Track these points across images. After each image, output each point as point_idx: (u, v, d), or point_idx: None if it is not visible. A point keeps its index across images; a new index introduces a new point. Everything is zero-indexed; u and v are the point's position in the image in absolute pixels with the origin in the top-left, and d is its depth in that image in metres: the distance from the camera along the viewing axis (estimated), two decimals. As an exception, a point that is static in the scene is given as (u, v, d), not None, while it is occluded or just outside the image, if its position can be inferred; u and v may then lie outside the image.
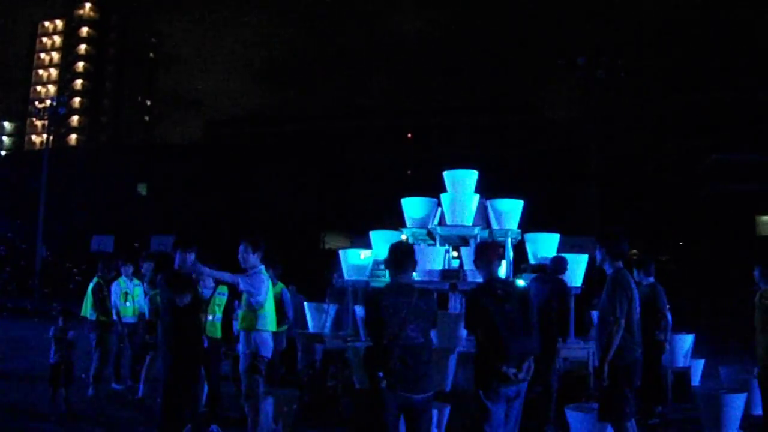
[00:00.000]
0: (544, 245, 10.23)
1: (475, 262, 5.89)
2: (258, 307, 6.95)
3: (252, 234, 7.44)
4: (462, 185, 10.52)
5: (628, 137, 45.59)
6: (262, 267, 7.12)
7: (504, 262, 6.75)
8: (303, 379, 9.80)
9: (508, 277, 10.17)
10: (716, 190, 40.92)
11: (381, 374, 5.20)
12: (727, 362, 11.58)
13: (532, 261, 10.26)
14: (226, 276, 6.95)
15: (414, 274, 9.60)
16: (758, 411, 9.28)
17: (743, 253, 37.26)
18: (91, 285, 10.54)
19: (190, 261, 7.36)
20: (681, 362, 11.16)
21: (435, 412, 6.89)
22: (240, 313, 7.13)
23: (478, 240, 10.07)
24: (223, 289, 8.22)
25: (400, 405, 5.25)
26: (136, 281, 10.69)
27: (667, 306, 8.99)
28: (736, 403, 8.38)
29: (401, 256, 5.57)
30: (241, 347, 7.03)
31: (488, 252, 5.80)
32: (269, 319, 7.09)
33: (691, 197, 41.75)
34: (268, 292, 7.05)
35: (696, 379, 11.15)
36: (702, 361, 11.51)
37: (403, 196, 10.84)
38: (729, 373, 10.34)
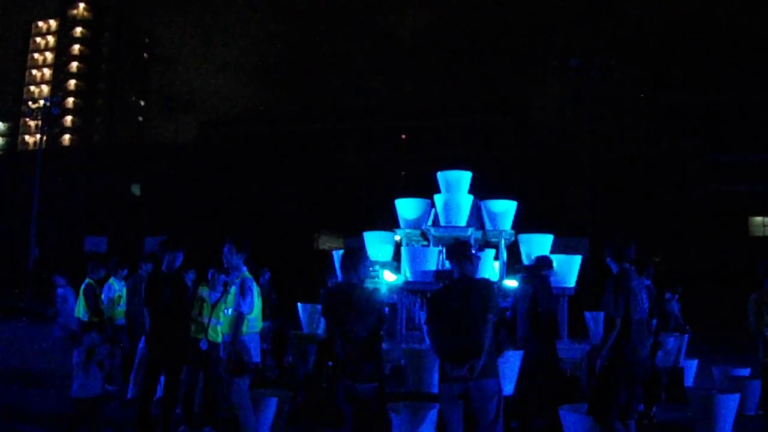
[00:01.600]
0: (538, 246, 10.24)
1: (447, 260, 6.14)
2: (249, 313, 6.99)
3: (239, 234, 7.47)
4: (456, 186, 10.53)
5: (621, 138, 45.68)
6: (245, 269, 7.10)
7: (478, 262, 6.84)
8: (296, 379, 9.78)
9: (500, 277, 10.16)
10: (709, 190, 41.06)
11: (330, 363, 5.94)
12: (721, 363, 11.61)
13: (525, 262, 10.26)
14: (239, 324, 6.95)
15: (408, 274, 9.68)
16: (751, 412, 9.32)
17: (736, 254, 37.44)
18: (82, 286, 10.48)
19: (178, 262, 7.56)
20: (674, 362, 11.21)
21: (434, 412, 6.91)
22: (227, 319, 7.09)
23: (472, 241, 10.09)
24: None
25: (347, 393, 5.78)
26: (122, 283, 10.63)
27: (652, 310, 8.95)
28: (730, 404, 8.41)
29: (348, 259, 6.14)
30: (225, 352, 7.00)
31: (456, 252, 6.00)
32: (257, 321, 7.14)
33: (684, 198, 41.87)
34: (255, 296, 7.06)
35: (690, 380, 11.18)
36: (695, 362, 11.54)
37: (397, 197, 10.84)
38: (722, 373, 10.36)
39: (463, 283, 5.85)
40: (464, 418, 5.67)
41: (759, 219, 42.66)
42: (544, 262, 8.75)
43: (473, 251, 6.13)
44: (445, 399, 5.72)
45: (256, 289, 7.10)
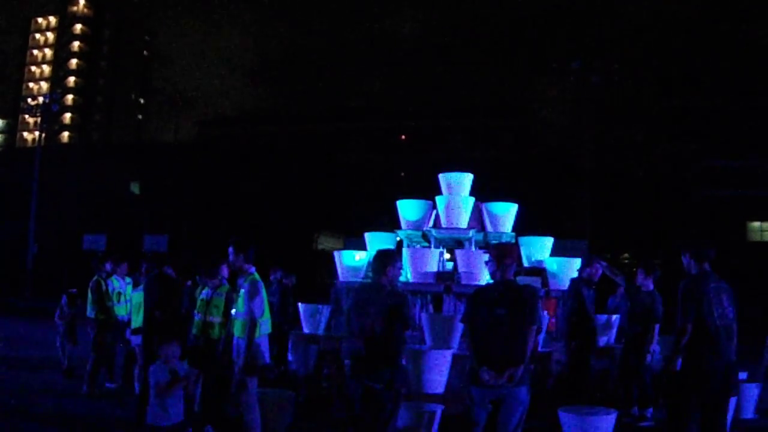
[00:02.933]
0: (538, 248, 10.30)
1: (488, 263, 6.00)
2: (260, 317, 7.01)
3: (236, 234, 7.55)
4: (457, 188, 10.57)
5: (620, 142, 45.76)
6: (253, 270, 7.12)
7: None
8: (298, 379, 9.83)
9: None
10: (707, 195, 41.16)
11: (348, 362, 6.01)
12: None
13: (525, 264, 10.32)
14: (252, 328, 6.98)
15: (408, 276, 9.74)
16: (748, 415, 9.39)
17: (734, 259, 37.54)
18: (90, 283, 10.54)
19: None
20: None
21: (428, 413, 6.97)
22: (238, 321, 7.10)
23: (473, 242, 10.14)
24: (223, 289, 8.25)
25: (365, 392, 5.85)
26: (127, 279, 10.68)
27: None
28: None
29: (378, 260, 6.20)
30: (236, 354, 7.02)
31: (500, 253, 5.82)
32: (268, 324, 7.15)
33: (683, 202, 41.97)
34: (264, 299, 7.08)
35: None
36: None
37: (397, 198, 10.89)
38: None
39: (509, 288, 5.64)
40: (488, 421, 5.56)
41: (756, 224, 42.79)
42: (582, 264, 8.80)
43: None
44: (476, 403, 5.55)
45: (265, 291, 7.12)
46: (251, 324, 6.82)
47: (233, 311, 7.22)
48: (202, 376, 8.33)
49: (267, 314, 7.14)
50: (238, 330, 7.01)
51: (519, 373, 5.38)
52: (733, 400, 8.55)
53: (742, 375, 10.49)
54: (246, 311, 6.86)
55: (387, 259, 6.20)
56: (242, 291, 6.99)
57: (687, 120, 45.44)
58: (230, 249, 7.15)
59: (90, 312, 10.29)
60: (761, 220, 42.56)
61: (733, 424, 8.57)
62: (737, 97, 45.99)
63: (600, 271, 8.83)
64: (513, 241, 10.41)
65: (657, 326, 8.99)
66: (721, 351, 5.74)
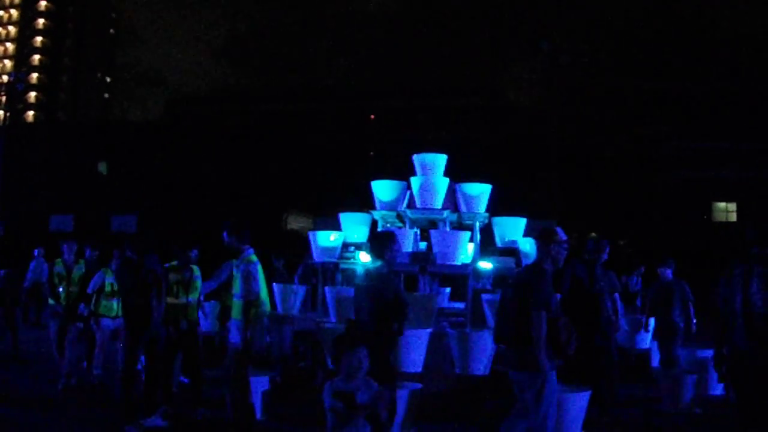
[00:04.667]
0: (512, 229, 10.39)
1: (537, 248, 5.99)
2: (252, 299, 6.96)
3: (234, 218, 7.57)
4: (432, 169, 10.61)
5: (590, 122, 46.21)
6: (251, 252, 7.03)
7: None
8: (273, 360, 9.86)
9: (474, 259, 10.27)
10: (674, 176, 41.80)
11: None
12: (684, 344, 11.91)
13: (499, 244, 10.42)
14: (246, 311, 6.90)
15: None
16: (714, 391, 9.62)
17: (699, 238, 38.22)
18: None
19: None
20: (641, 344, 11.58)
21: (406, 392, 7.06)
22: (236, 302, 7.04)
23: (447, 223, 10.21)
24: (197, 272, 8.24)
25: None
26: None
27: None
28: (694, 383, 8.82)
29: (374, 244, 6.31)
30: (233, 337, 6.96)
31: (542, 237, 5.80)
32: (265, 307, 7.09)
33: (650, 183, 42.54)
34: (260, 281, 7.00)
35: (655, 360, 11.48)
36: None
37: (366, 178, 10.91)
38: (686, 355, 10.65)
39: (519, 273, 5.92)
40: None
41: (722, 204, 43.58)
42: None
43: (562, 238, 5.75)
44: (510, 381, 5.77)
45: (261, 274, 7.04)
46: (246, 306, 6.77)
47: (233, 293, 7.16)
48: (183, 357, 8.34)
49: (264, 296, 7.05)
50: (236, 312, 6.93)
51: (518, 354, 5.46)
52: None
53: (709, 352, 10.73)
54: (242, 293, 6.81)
55: (383, 243, 6.21)
56: (238, 273, 6.91)
57: (655, 101, 45.97)
58: (224, 233, 7.08)
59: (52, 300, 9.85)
60: (726, 200, 43.35)
61: (702, 399, 8.85)
62: (704, 79, 46.61)
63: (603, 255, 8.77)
64: (487, 221, 10.50)
65: (616, 295, 8.99)
66: (740, 336, 5.53)
